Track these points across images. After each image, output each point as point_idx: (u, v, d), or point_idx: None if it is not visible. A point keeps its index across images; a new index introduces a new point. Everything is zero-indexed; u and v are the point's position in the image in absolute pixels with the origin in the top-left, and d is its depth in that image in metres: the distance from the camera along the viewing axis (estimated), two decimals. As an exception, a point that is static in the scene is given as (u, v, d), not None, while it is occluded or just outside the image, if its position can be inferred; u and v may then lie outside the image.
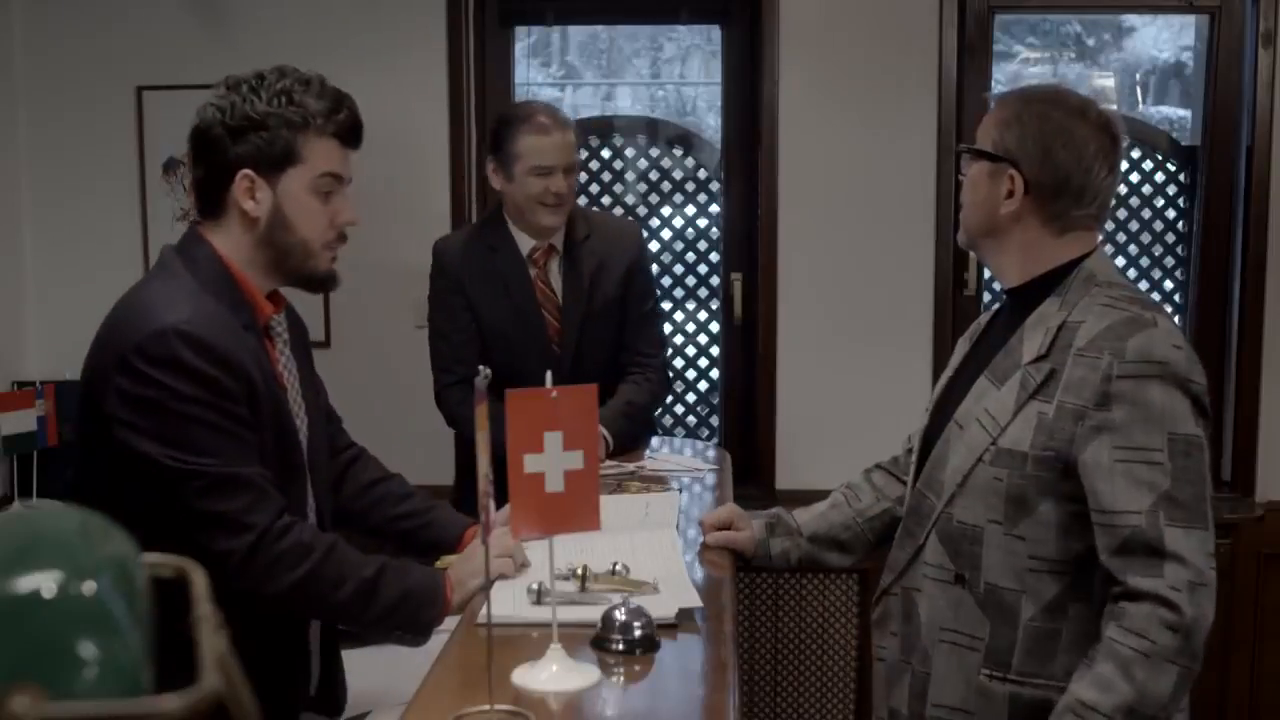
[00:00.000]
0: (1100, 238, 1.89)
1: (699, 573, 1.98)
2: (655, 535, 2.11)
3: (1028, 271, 1.82)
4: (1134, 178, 3.63)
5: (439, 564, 1.99)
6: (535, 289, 2.92)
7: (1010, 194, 1.78)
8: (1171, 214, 3.66)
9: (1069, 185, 1.76)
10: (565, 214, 2.89)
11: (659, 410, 3.38)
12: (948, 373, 1.99)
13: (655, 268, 3.58)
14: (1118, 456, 1.64)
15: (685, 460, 2.81)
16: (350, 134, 1.88)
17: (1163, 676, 1.60)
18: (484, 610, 1.55)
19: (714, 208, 3.73)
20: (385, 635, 1.90)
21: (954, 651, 1.78)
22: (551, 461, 1.51)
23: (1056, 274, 1.80)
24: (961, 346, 2.01)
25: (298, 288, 1.96)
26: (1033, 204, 1.78)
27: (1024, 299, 1.82)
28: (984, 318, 2.02)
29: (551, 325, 2.93)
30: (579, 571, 1.79)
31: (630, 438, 2.88)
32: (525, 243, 2.91)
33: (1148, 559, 1.62)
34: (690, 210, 3.74)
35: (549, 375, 1.56)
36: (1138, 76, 3.99)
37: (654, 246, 3.67)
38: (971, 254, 3.46)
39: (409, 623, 1.86)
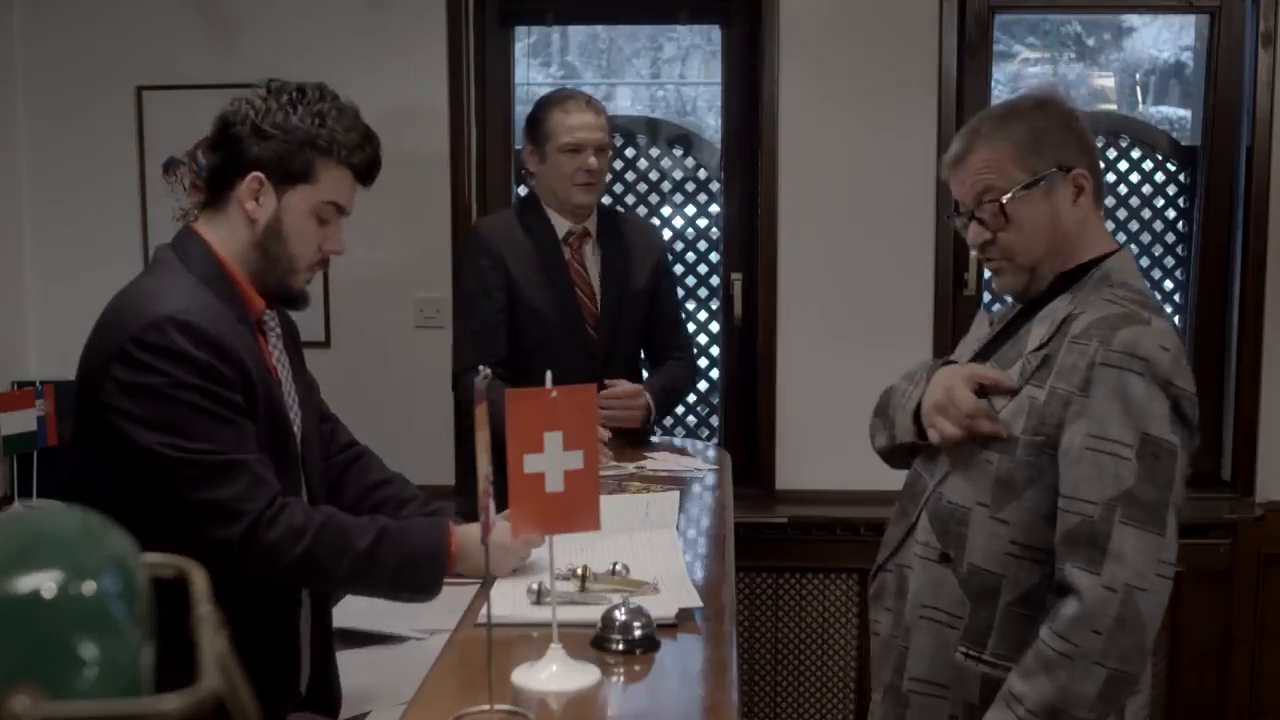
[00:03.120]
0: (1123, 238, 1.91)
1: (699, 573, 1.98)
2: (655, 535, 2.11)
3: (1064, 264, 1.82)
4: (1134, 178, 3.63)
5: None
6: (571, 270, 3.01)
7: (1079, 192, 1.79)
8: (1171, 214, 3.66)
9: (1098, 155, 1.84)
10: (598, 193, 3.03)
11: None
12: (965, 351, 1.99)
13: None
14: (1088, 444, 1.65)
15: (685, 460, 2.81)
16: (368, 171, 1.92)
17: (1088, 679, 1.61)
18: (484, 610, 1.55)
19: (714, 208, 3.73)
20: (393, 597, 1.91)
21: (932, 628, 1.79)
22: (551, 461, 1.51)
23: (1078, 270, 1.80)
24: (981, 325, 2.00)
25: (269, 298, 1.96)
26: (1094, 186, 1.81)
27: (1044, 293, 1.84)
28: (1010, 310, 2.01)
29: (587, 307, 3.02)
30: (579, 571, 1.79)
31: (666, 413, 3.05)
32: (562, 226, 3.02)
33: (1090, 551, 1.62)
34: (690, 210, 3.74)
35: (549, 376, 1.56)
36: (1138, 76, 3.98)
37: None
38: (973, 254, 3.45)
39: (414, 584, 1.87)
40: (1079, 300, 1.76)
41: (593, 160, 2.93)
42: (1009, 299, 2.02)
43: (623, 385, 2.92)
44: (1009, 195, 1.79)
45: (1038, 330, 1.77)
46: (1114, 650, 1.60)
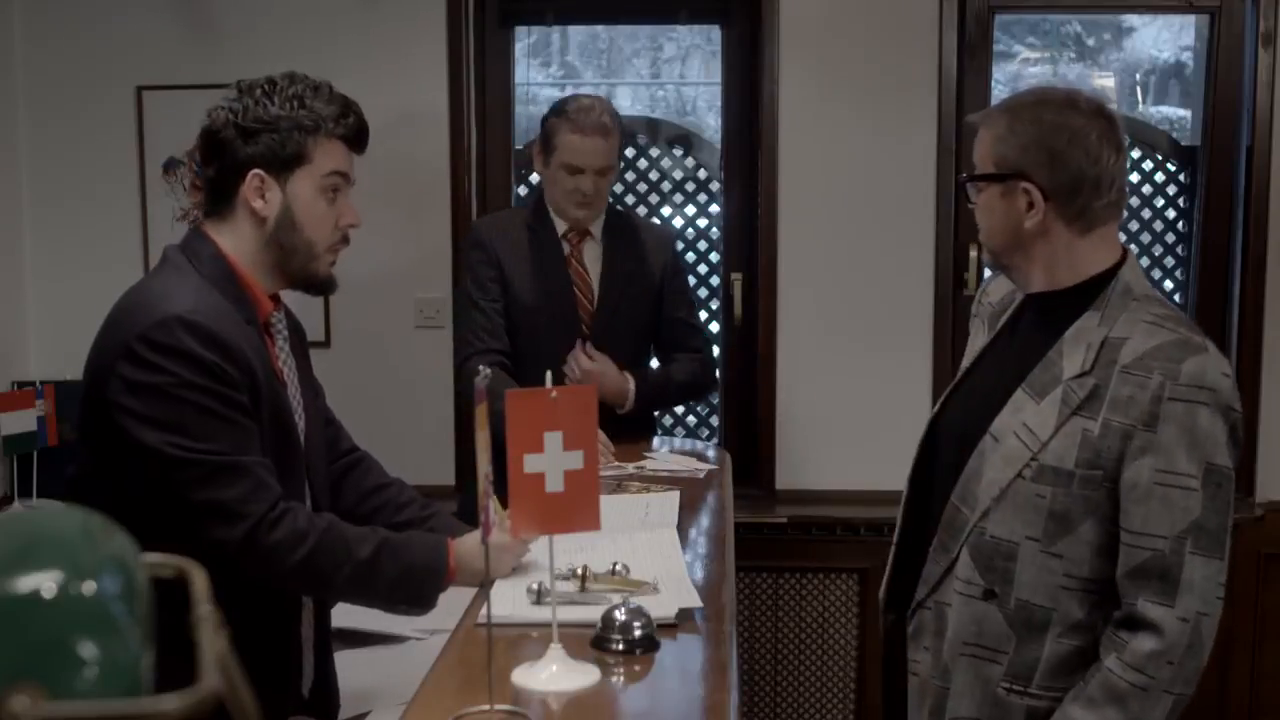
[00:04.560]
0: (1124, 238, 1.87)
1: (699, 573, 1.98)
2: (655, 535, 2.11)
3: (1057, 279, 1.79)
4: (1134, 178, 3.63)
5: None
6: (569, 267, 3.01)
7: (1030, 206, 1.74)
8: (1171, 214, 3.66)
9: (1085, 180, 1.73)
10: (596, 212, 3.02)
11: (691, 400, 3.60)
12: (965, 363, 1.96)
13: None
14: (1156, 479, 1.64)
15: (685, 460, 2.81)
16: (357, 137, 1.94)
17: (1156, 707, 1.63)
18: (484, 610, 1.55)
19: (714, 208, 3.73)
20: (390, 609, 1.92)
21: (974, 665, 1.77)
22: (551, 461, 1.51)
23: (1090, 285, 1.77)
24: (978, 336, 1.98)
25: (297, 289, 1.99)
26: (1055, 209, 1.74)
27: (1052, 305, 1.79)
28: (998, 297, 1.97)
29: (583, 305, 3.02)
30: (579, 571, 1.79)
31: (654, 403, 3.07)
32: (562, 224, 3.03)
33: (1162, 585, 1.63)
34: (690, 210, 3.74)
35: (548, 376, 1.56)
36: (1138, 76, 3.98)
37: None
38: (972, 253, 3.46)
39: (412, 597, 1.88)
40: (1109, 319, 1.73)
41: (588, 184, 2.91)
42: (992, 300, 2.00)
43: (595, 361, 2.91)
44: (966, 176, 1.84)
45: (1073, 353, 1.73)
46: (1181, 677, 1.63)
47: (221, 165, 1.88)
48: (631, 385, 2.95)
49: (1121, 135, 1.77)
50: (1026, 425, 1.73)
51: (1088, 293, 1.77)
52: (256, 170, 1.86)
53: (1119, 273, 1.77)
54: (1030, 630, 1.73)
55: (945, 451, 1.88)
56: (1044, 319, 1.81)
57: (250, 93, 1.87)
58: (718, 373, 3.72)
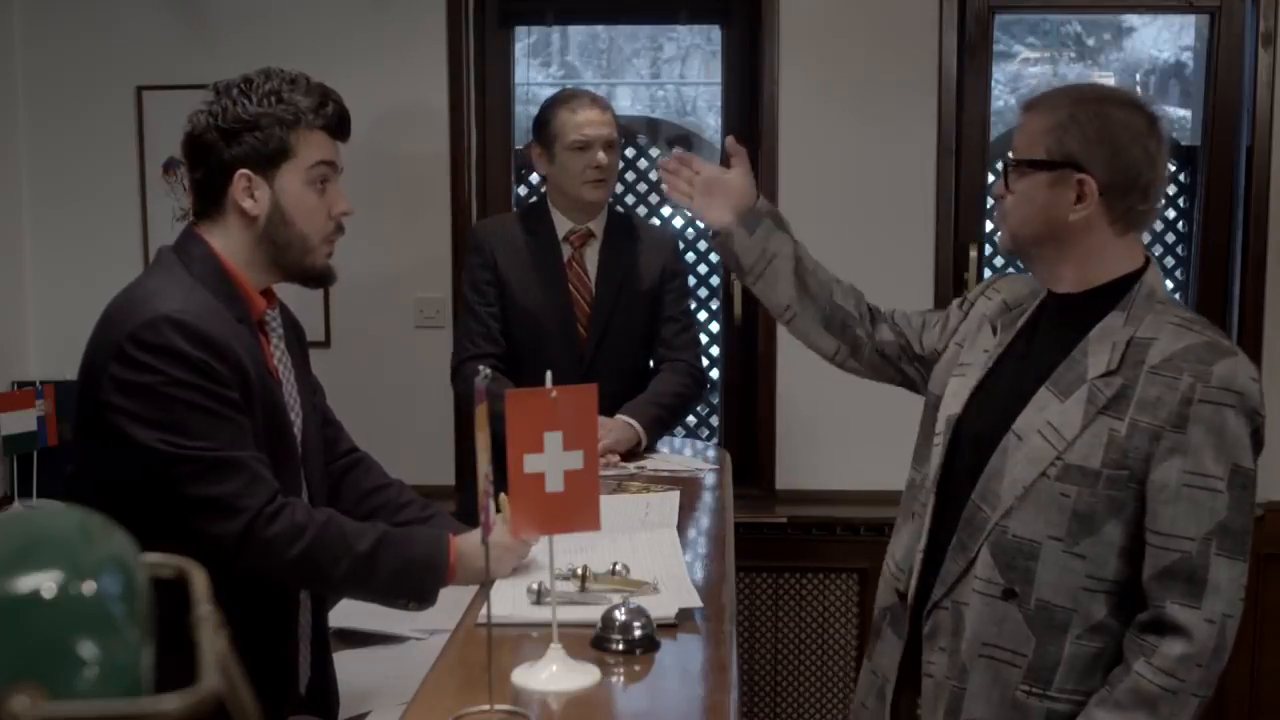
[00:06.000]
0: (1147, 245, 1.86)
1: (699, 573, 1.98)
2: (655, 535, 2.11)
3: (1086, 279, 1.77)
4: (1134, 178, 3.62)
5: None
6: (568, 270, 3.00)
7: (1079, 199, 1.71)
8: (1171, 214, 3.66)
9: (1139, 182, 1.71)
10: (609, 189, 3.02)
11: (692, 410, 3.46)
12: (977, 370, 1.89)
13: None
14: (1185, 480, 1.64)
15: (685, 460, 2.81)
16: (338, 125, 1.93)
17: (1184, 710, 1.64)
18: (484, 610, 1.55)
19: (714, 208, 3.72)
20: (390, 603, 1.92)
21: (992, 666, 1.75)
22: (551, 461, 1.51)
23: (1114, 286, 1.76)
24: (981, 334, 1.93)
25: (296, 283, 1.98)
26: (1103, 206, 1.72)
27: (1076, 306, 1.78)
28: (1011, 297, 1.94)
29: (580, 307, 3.00)
30: (579, 571, 1.79)
31: (663, 427, 2.93)
32: (564, 226, 3.02)
33: (1188, 586, 1.63)
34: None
35: (549, 376, 1.56)
36: (1138, 76, 3.98)
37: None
38: (972, 253, 3.46)
39: (412, 590, 1.88)
40: (1134, 319, 1.72)
41: (601, 156, 2.92)
42: (1005, 312, 1.96)
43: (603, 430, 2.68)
44: (1015, 160, 1.77)
45: (1098, 353, 1.72)
46: (1207, 679, 1.64)
47: (208, 168, 1.88)
48: (640, 428, 2.82)
49: (1168, 145, 1.76)
50: (1051, 424, 1.72)
51: (1110, 294, 1.76)
52: (243, 170, 1.86)
53: (1143, 277, 1.76)
54: (1050, 631, 1.72)
55: (962, 455, 1.85)
56: (1065, 319, 1.79)
57: (228, 93, 1.87)
58: (715, 373, 3.74)
